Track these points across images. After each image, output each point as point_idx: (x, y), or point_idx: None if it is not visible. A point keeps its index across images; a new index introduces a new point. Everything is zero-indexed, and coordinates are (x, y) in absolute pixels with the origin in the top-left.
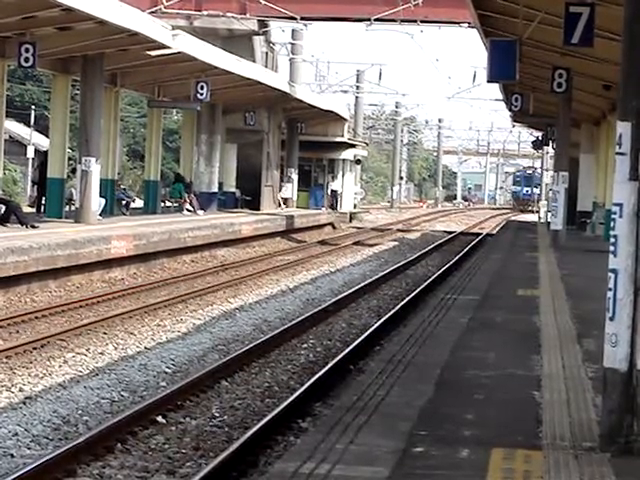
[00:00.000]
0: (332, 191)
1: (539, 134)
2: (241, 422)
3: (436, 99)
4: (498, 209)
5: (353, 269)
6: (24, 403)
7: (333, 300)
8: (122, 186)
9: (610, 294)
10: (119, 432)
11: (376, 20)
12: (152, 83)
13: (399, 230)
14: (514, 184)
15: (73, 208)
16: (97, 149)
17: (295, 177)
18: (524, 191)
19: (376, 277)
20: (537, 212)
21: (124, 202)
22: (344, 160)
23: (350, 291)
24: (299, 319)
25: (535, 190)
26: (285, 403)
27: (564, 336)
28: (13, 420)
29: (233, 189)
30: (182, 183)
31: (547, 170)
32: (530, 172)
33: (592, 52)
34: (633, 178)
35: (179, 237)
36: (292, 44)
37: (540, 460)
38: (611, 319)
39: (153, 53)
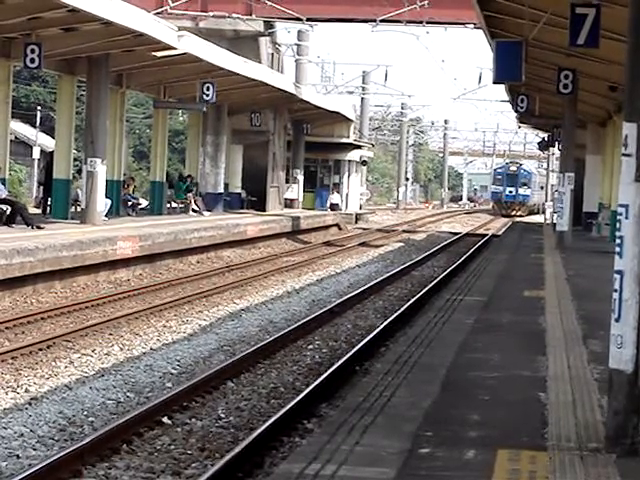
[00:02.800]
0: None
1: (545, 135)
2: (247, 423)
3: (442, 100)
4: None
5: (359, 270)
6: (30, 404)
7: (339, 301)
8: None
9: (616, 295)
10: (125, 433)
11: (382, 21)
12: (158, 84)
13: (405, 231)
14: (494, 183)
15: (79, 209)
16: (103, 150)
17: (301, 178)
18: (507, 192)
19: (382, 278)
20: (522, 216)
21: (130, 203)
22: (350, 161)
23: (356, 292)
24: (305, 320)
25: (521, 190)
26: (291, 404)
27: (570, 337)
28: (19, 421)
29: (239, 190)
30: (184, 182)
31: (553, 171)
32: (514, 168)
33: (598, 53)
34: (639, 179)
35: (185, 238)
36: (298, 45)
37: (546, 461)
38: (617, 320)
39: (159, 54)
